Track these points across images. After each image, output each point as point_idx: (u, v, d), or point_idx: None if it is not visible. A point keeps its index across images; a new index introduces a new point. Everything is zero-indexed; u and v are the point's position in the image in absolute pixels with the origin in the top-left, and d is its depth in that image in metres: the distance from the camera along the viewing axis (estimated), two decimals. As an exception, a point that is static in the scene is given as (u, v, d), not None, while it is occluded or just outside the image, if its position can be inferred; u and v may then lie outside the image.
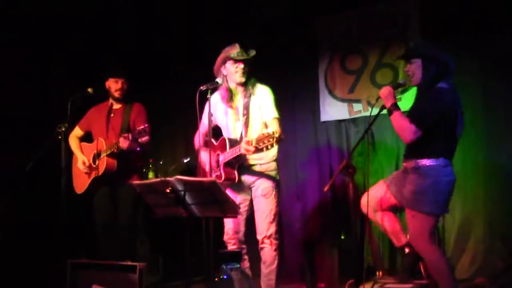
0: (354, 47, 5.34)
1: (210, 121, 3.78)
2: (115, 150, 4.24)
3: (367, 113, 5.07)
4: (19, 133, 5.19)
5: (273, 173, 3.79)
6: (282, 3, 5.37)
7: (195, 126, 3.91)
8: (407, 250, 3.56)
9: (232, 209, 3.14)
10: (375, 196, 3.59)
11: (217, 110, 3.91)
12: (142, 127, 3.96)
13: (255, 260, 3.86)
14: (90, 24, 5.58)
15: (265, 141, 3.24)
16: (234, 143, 3.68)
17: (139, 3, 5.56)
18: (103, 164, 4.32)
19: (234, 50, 3.74)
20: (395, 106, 3.40)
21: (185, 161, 5.47)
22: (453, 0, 4.76)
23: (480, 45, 4.72)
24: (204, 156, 3.80)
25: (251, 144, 3.32)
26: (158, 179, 3.19)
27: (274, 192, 3.76)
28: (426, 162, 3.33)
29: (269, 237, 3.72)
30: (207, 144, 3.83)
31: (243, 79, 3.77)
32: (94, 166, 4.41)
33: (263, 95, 3.78)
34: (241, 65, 3.74)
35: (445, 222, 4.73)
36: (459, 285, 4.31)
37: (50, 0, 5.22)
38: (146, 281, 3.65)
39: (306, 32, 5.52)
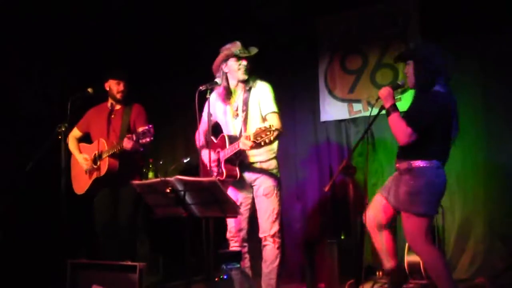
0: (354, 47, 5.34)
1: (209, 121, 3.77)
2: (117, 151, 4.24)
3: (367, 113, 5.07)
4: (19, 133, 5.19)
5: (274, 171, 3.79)
6: (282, 3, 5.37)
7: (195, 126, 3.91)
8: (393, 271, 3.57)
9: (232, 209, 3.14)
10: (375, 214, 3.59)
11: (217, 108, 3.91)
12: (147, 127, 3.95)
13: (256, 259, 3.86)
14: (90, 24, 5.58)
15: (263, 135, 3.23)
16: (233, 139, 3.67)
17: (139, 3, 5.56)
18: (105, 164, 4.32)
19: (236, 48, 3.74)
20: (394, 107, 3.40)
21: (185, 161, 5.47)
22: (453, 0, 4.76)
23: (480, 45, 4.72)
24: (207, 155, 3.79)
25: (250, 139, 3.32)
26: (158, 179, 3.19)
27: (275, 191, 3.76)
28: (419, 163, 3.34)
29: (272, 235, 3.72)
30: (207, 143, 3.82)
31: (245, 76, 3.76)
32: (95, 166, 4.41)
33: (262, 90, 3.77)
34: (244, 62, 3.74)
35: (445, 222, 4.74)
36: (459, 285, 4.33)
37: (50, 0, 5.22)
38: (146, 281, 3.65)
39: (306, 32, 5.53)
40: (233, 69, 3.76)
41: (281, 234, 3.81)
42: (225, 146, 3.71)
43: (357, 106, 5.26)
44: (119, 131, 4.45)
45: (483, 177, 4.74)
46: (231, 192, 3.81)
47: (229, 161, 3.69)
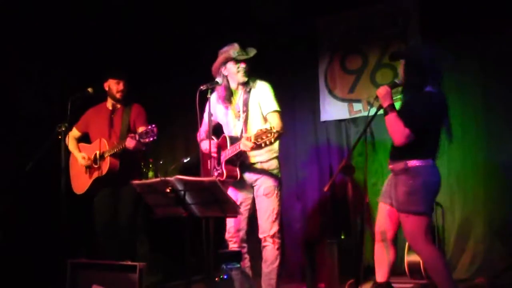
0: (354, 47, 5.34)
1: (210, 121, 3.77)
2: (119, 150, 4.25)
3: (367, 113, 5.07)
4: (19, 133, 5.19)
5: (275, 171, 3.79)
6: (282, 3, 5.37)
7: (195, 126, 3.91)
8: (380, 285, 3.58)
9: (232, 209, 3.14)
10: (380, 224, 3.58)
11: (217, 109, 3.91)
12: (150, 127, 3.96)
13: (256, 259, 3.86)
14: (90, 24, 5.58)
15: (264, 137, 3.24)
16: (234, 140, 3.68)
17: (139, 3, 5.55)
18: (106, 164, 4.32)
19: (234, 50, 3.73)
20: (391, 107, 3.39)
21: (185, 161, 5.46)
22: (453, 0, 4.76)
23: (480, 45, 4.72)
24: (207, 144, 3.77)
25: (250, 140, 3.32)
26: (158, 179, 3.19)
27: (276, 191, 3.76)
28: (415, 163, 3.34)
29: (272, 236, 3.72)
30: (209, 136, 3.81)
31: (245, 79, 3.76)
32: (96, 166, 4.41)
33: (262, 90, 3.77)
34: (243, 65, 3.74)
35: (445, 222, 4.74)
36: (459, 285, 4.33)
37: (50, 0, 5.22)
38: (146, 281, 3.65)
39: (306, 32, 5.53)
40: (232, 72, 3.76)
41: (281, 234, 3.81)
42: (226, 147, 3.71)
43: (357, 106, 5.27)
44: (119, 131, 4.45)
45: (483, 177, 4.74)
46: (231, 192, 3.81)
47: (230, 162, 3.69)
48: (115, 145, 4.30)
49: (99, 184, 4.43)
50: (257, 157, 3.74)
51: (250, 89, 3.78)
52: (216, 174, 3.71)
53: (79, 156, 4.50)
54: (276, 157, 3.82)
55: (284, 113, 3.82)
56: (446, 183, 4.87)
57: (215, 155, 3.74)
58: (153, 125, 3.96)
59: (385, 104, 3.41)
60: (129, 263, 3.64)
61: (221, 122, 3.95)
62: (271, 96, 3.75)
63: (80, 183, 4.53)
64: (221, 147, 3.77)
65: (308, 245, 4.76)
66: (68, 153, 4.53)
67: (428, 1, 4.94)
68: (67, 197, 4.17)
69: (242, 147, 3.48)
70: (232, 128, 3.85)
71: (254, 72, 3.83)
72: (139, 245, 4.81)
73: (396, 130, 3.33)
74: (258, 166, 3.76)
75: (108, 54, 5.56)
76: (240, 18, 5.57)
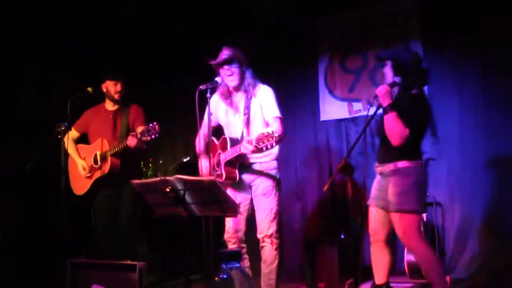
0: (354, 47, 5.35)
1: (209, 120, 3.77)
2: (120, 150, 4.25)
3: (367, 113, 5.06)
4: (19, 133, 5.19)
5: (273, 172, 3.79)
6: (282, 3, 5.37)
7: (195, 126, 3.91)
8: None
9: (231, 209, 3.14)
10: (373, 226, 3.61)
11: (219, 109, 3.91)
12: (151, 124, 3.97)
13: (256, 259, 3.86)
14: (90, 24, 5.58)
15: (265, 141, 3.24)
16: (235, 142, 3.68)
17: (139, 3, 5.56)
18: (107, 164, 4.33)
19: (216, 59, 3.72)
20: (391, 107, 3.40)
21: (185, 160, 5.46)
22: (453, 0, 4.76)
23: (480, 45, 4.72)
24: (203, 164, 3.79)
25: (251, 144, 3.32)
26: (157, 178, 3.18)
27: (274, 191, 3.76)
28: (405, 163, 3.39)
29: (270, 236, 3.72)
30: (208, 147, 3.81)
31: (233, 83, 3.76)
32: (96, 166, 4.41)
33: (264, 94, 3.77)
34: (228, 72, 3.73)
35: (445, 222, 4.74)
36: (459, 285, 4.34)
37: (50, 0, 5.22)
38: (146, 280, 3.64)
39: (306, 32, 5.53)
40: (223, 76, 3.77)
41: (281, 234, 3.81)
42: (226, 149, 3.70)
43: (357, 106, 5.27)
44: (119, 132, 4.46)
45: (483, 177, 4.74)
46: (230, 193, 3.79)
47: (229, 163, 3.69)
48: (116, 144, 4.30)
49: (100, 184, 4.43)
50: (256, 157, 3.74)
51: (252, 90, 3.77)
52: (215, 175, 3.71)
53: (80, 165, 4.50)
54: (275, 158, 3.82)
55: (284, 113, 3.82)
56: (446, 182, 4.88)
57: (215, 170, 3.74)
58: (155, 123, 3.97)
59: (385, 104, 3.41)
60: (129, 262, 3.64)
61: (221, 122, 3.95)
62: (273, 101, 3.76)
63: (80, 184, 4.52)
64: (221, 149, 3.77)
65: (308, 245, 4.76)
66: (67, 153, 4.53)
67: (428, 1, 4.94)
68: (67, 197, 4.17)
69: (243, 150, 3.47)
70: (233, 129, 3.85)
71: (255, 72, 3.83)
72: (138, 245, 4.81)
73: (397, 130, 3.34)
74: (257, 166, 3.76)
75: (108, 54, 5.56)
76: (240, 18, 5.58)
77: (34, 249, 5.00)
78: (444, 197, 4.81)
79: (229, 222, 3.83)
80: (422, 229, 3.57)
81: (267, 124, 3.72)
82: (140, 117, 4.51)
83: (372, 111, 3.51)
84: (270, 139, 3.23)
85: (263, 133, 3.27)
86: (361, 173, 4.79)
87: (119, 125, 4.48)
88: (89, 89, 4.35)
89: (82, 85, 4.39)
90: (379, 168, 3.54)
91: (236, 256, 3.51)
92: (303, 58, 5.56)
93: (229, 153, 3.66)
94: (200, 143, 3.90)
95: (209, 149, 3.75)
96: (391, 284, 3.70)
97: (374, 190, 3.60)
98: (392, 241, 3.64)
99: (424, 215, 4.67)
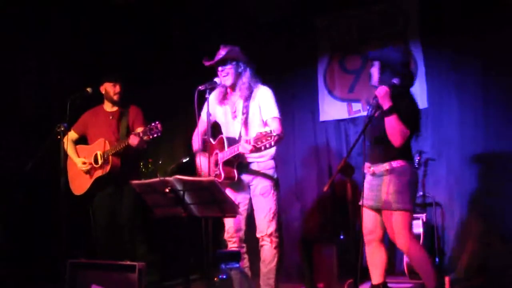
0: (353, 47, 5.34)
1: (208, 121, 3.77)
2: (121, 149, 4.26)
3: (366, 113, 5.07)
4: (19, 133, 5.19)
5: (270, 172, 3.79)
6: (282, 3, 5.37)
7: (194, 126, 3.91)
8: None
9: (231, 209, 3.14)
10: (366, 226, 3.62)
11: (217, 109, 3.91)
12: (153, 123, 3.98)
13: (255, 259, 3.86)
14: (90, 24, 5.58)
15: (263, 140, 3.24)
16: (232, 141, 3.68)
17: (139, 3, 5.56)
18: (108, 163, 4.33)
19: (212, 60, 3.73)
20: (393, 109, 3.40)
21: (184, 161, 5.46)
22: (453, 0, 4.76)
23: (480, 45, 4.72)
24: (202, 161, 3.79)
25: (250, 143, 3.32)
26: (157, 179, 3.19)
27: (272, 191, 3.76)
28: (400, 163, 3.43)
29: (269, 235, 3.72)
30: (205, 146, 3.82)
31: (228, 82, 3.77)
32: (96, 166, 4.42)
33: (263, 95, 3.77)
34: (223, 72, 3.73)
35: (444, 221, 4.74)
36: (458, 285, 4.33)
37: (50, 0, 5.23)
38: (145, 280, 3.65)
39: (305, 32, 5.53)
40: (220, 76, 3.77)
41: (280, 233, 3.81)
42: (223, 148, 3.70)
43: (356, 106, 5.27)
44: (118, 132, 4.47)
45: (483, 176, 4.74)
46: (228, 193, 3.79)
47: (228, 163, 3.69)
48: (117, 144, 4.31)
49: (100, 184, 4.44)
50: (253, 157, 3.74)
51: (252, 91, 3.77)
52: (213, 175, 3.71)
53: (79, 161, 4.50)
54: (273, 158, 3.82)
55: (283, 113, 3.82)
56: (446, 182, 4.88)
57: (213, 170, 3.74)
58: (157, 122, 3.99)
59: (386, 106, 3.42)
60: (128, 263, 3.64)
61: (219, 122, 3.95)
62: (272, 102, 3.75)
63: (80, 183, 4.52)
64: (218, 148, 3.77)
65: (307, 245, 4.76)
66: (67, 154, 4.53)
67: (428, 1, 4.94)
68: (66, 197, 4.18)
69: (241, 150, 3.47)
70: (230, 128, 3.85)
71: (255, 72, 3.83)
72: (138, 245, 4.81)
73: (399, 131, 3.36)
74: (254, 166, 3.76)
75: (107, 54, 5.56)
76: (240, 18, 5.57)
77: (34, 249, 5.00)
78: (444, 197, 4.81)
79: (229, 222, 3.83)
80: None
81: (265, 125, 3.72)
82: (140, 117, 4.53)
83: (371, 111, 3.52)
84: (269, 138, 3.23)
85: (261, 133, 3.26)
86: (360, 174, 4.79)
87: (119, 126, 4.50)
88: (89, 89, 4.35)
89: (82, 85, 4.39)
90: (371, 169, 3.55)
91: (235, 256, 3.51)
92: (303, 58, 5.55)
93: (227, 153, 3.66)
94: (198, 139, 3.90)
95: (208, 147, 3.75)
96: (391, 285, 3.70)
97: (365, 191, 3.61)
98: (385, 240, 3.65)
99: (424, 215, 4.68)
